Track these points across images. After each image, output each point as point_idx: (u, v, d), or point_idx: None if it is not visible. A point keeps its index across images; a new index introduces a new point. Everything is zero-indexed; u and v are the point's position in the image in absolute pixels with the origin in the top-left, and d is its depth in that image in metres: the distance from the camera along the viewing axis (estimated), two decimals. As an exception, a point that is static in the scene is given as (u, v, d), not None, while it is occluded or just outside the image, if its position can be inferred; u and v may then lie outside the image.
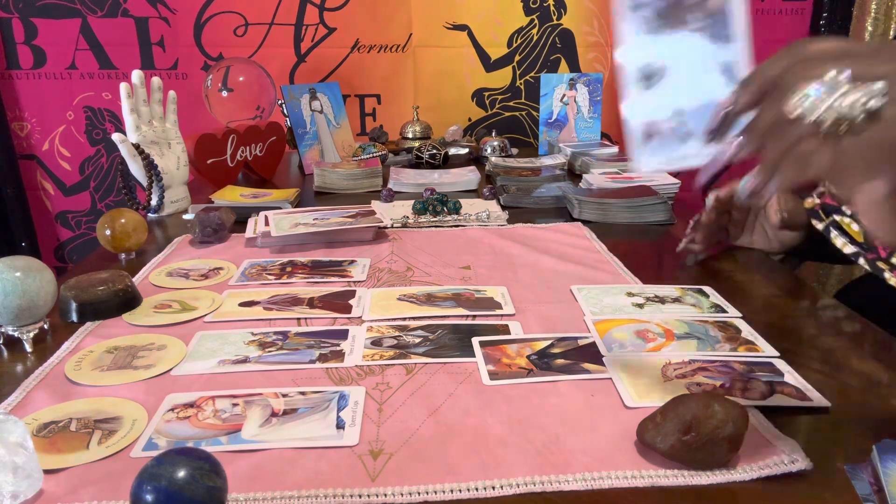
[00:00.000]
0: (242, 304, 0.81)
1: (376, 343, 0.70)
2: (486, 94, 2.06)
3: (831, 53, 0.39)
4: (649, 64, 0.46)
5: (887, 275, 0.78)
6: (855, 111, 0.37)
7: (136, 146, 1.20)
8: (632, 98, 0.47)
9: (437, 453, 0.51)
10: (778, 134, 0.40)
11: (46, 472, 0.49)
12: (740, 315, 0.75)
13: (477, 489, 0.47)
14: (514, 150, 1.76)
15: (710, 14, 0.44)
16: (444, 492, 0.47)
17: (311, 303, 0.81)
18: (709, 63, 0.45)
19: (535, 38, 2.02)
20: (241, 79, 1.73)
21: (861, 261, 0.81)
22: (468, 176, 1.46)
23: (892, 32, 1.97)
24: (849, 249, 0.82)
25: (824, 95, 0.37)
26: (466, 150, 1.70)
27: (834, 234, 0.85)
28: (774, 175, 0.40)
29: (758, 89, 0.41)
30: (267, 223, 1.05)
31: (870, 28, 1.99)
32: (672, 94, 0.46)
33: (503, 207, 1.25)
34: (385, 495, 0.47)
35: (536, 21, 2.02)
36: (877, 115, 0.36)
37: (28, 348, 0.70)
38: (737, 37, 0.44)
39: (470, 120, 2.07)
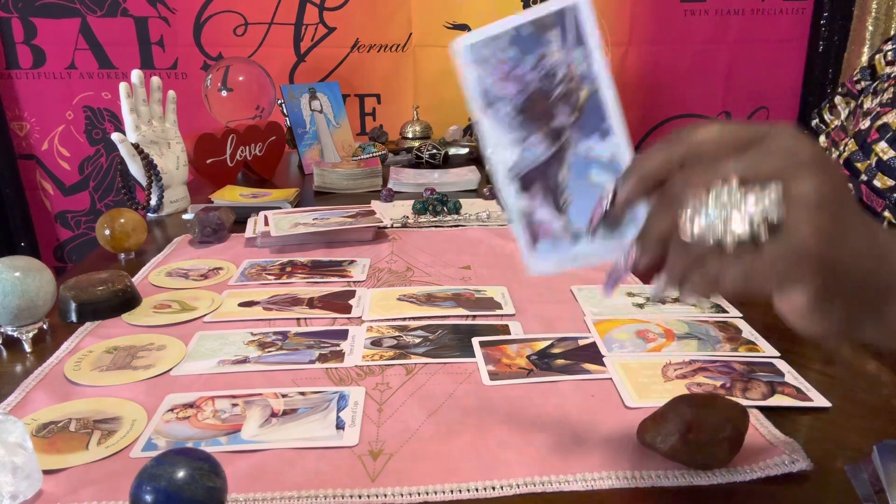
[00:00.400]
0: (242, 305, 0.81)
1: (376, 343, 0.70)
2: (487, 93, 2.06)
3: (714, 146, 0.36)
4: (521, 162, 0.42)
5: None
6: (755, 229, 0.33)
7: (136, 146, 1.20)
8: (510, 201, 0.44)
9: (437, 453, 0.51)
10: (676, 248, 0.37)
11: (46, 472, 0.49)
12: (741, 315, 0.75)
13: (477, 489, 0.47)
14: None
15: (580, 107, 0.40)
16: (444, 492, 0.47)
17: (311, 303, 0.81)
18: (588, 159, 0.41)
19: (535, 37, 2.02)
20: (240, 78, 1.73)
21: None
22: (468, 176, 1.46)
23: (892, 32, 1.97)
24: None
25: (717, 216, 0.34)
26: (466, 150, 1.70)
27: None
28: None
29: (639, 186, 0.38)
30: (267, 223, 1.05)
31: (870, 28, 1.99)
32: (553, 192, 0.42)
33: (503, 207, 1.25)
34: (385, 496, 0.47)
35: (536, 21, 2.02)
36: (778, 227, 0.33)
37: (27, 348, 0.70)
38: (614, 129, 0.40)
39: (470, 120, 2.07)
